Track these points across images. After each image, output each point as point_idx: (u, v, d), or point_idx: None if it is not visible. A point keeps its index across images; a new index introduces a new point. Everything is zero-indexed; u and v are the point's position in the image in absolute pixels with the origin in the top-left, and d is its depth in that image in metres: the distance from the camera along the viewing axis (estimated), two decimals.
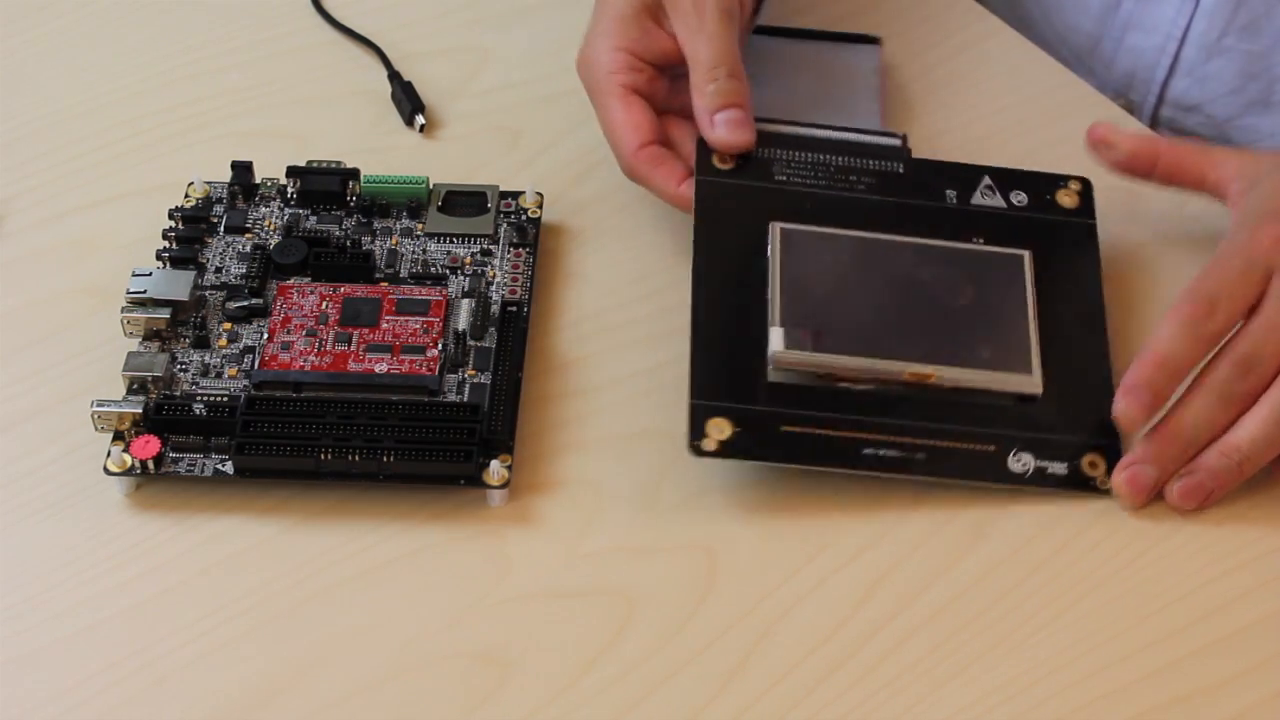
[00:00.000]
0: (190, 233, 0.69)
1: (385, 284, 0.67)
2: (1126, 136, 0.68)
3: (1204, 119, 0.82)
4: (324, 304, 0.66)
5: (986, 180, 0.67)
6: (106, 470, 0.61)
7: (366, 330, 0.65)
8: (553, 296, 0.69)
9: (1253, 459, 0.61)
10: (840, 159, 0.67)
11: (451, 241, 0.69)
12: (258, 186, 0.71)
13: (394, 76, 0.77)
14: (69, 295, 0.69)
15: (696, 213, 0.65)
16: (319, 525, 0.62)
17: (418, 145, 0.75)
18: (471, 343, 0.65)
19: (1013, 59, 0.79)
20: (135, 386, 0.63)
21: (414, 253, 0.69)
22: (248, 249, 0.68)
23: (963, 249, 0.65)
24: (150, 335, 0.65)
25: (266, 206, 0.70)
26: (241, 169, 0.71)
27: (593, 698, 0.57)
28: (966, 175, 0.68)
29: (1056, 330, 0.64)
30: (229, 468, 0.61)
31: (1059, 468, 0.62)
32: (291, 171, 0.71)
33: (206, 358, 0.65)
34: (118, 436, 0.62)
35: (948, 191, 0.67)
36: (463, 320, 0.66)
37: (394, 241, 0.69)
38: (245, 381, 0.64)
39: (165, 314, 0.65)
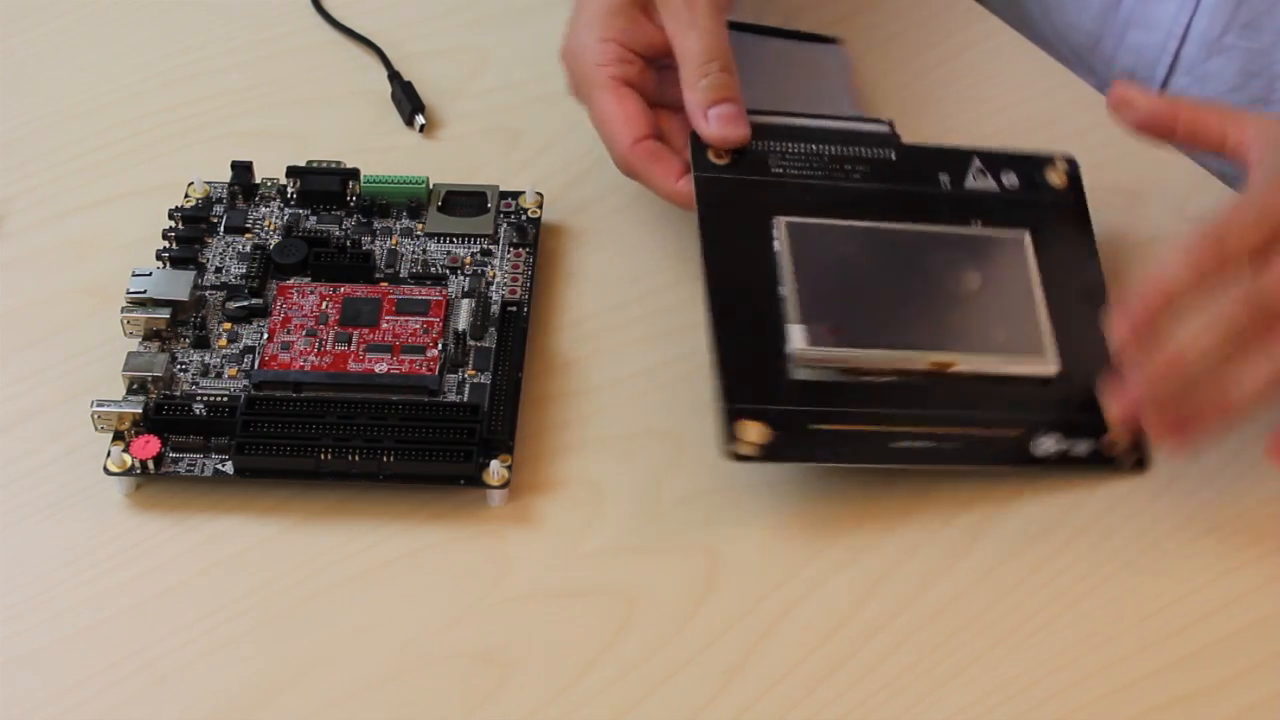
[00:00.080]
0: (190, 233, 0.69)
1: (385, 284, 0.67)
2: (1147, 96, 0.66)
3: None
4: (324, 304, 0.66)
5: (977, 163, 0.67)
6: (106, 470, 0.61)
7: (366, 330, 0.65)
8: (553, 296, 0.69)
9: (1242, 412, 0.59)
10: (833, 149, 0.67)
11: (451, 241, 0.69)
12: (258, 186, 0.71)
13: (394, 76, 0.77)
14: (69, 295, 0.69)
15: (700, 210, 0.65)
16: (319, 525, 0.62)
17: (418, 145, 0.75)
18: (471, 343, 0.65)
19: (1013, 59, 0.79)
20: (135, 386, 0.63)
21: (414, 253, 0.69)
22: (248, 249, 0.68)
23: (965, 234, 0.65)
24: (150, 335, 0.65)
25: (266, 206, 0.70)
26: (241, 169, 0.71)
27: (593, 698, 0.57)
28: (957, 159, 0.68)
29: (1063, 309, 0.64)
30: (229, 468, 0.61)
31: (1082, 448, 0.62)
32: (291, 171, 0.71)
33: (206, 358, 0.65)
34: (118, 436, 0.62)
35: (941, 176, 0.67)
36: (463, 320, 0.66)
37: (394, 241, 0.69)
38: (245, 381, 0.64)
39: (165, 314, 0.65)
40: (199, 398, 0.63)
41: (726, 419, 0.60)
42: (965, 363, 0.62)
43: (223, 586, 0.60)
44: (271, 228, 0.69)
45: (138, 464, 0.61)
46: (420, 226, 0.70)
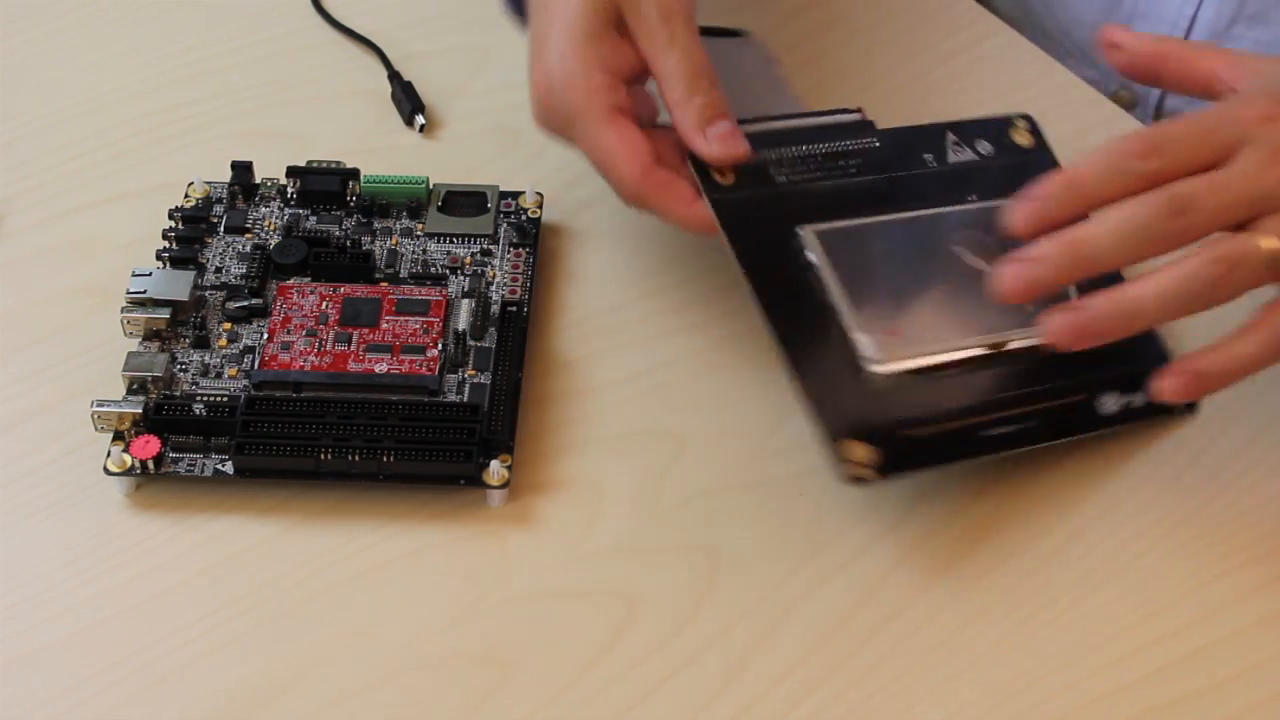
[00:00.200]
0: (190, 233, 0.69)
1: (385, 284, 0.67)
2: (1136, 37, 0.64)
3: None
4: (324, 304, 0.66)
5: (951, 136, 0.67)
6: (106, 470, 0.61)
7: (366, 330, 0.65)
8: (553, 296, 0.69)
9: (1143, 317, 0.57)
10: (822, 146, 0.66)
11: (451, 241, 0.69)
12: (258, 186, 0.71)
13: (394, 76, 0.77)
14: (69, 295, 0.69)
15: (728, 235, 0.62)
16: (319, 525, 0.62)
17: (418, 145, 0.75)
18: (471, 343, 0.65)
19: (1013, 59, 0.79)
20: (135, 386, 0.63)
21: (414, 253, 0.69)
22: (248, 249, 0.68)
23: (970, 210, 0.65)
24: (150, 335, 0.65)
25: (266, 206, 0.70)
26: (241, 169, 0.71)
27: (592, 698, 0.57)
28: (932, 136, 0.67)
29: None
30: (229, 468, 0.61)
31: (1139, 399, 0.62)
32: (291, 171, 0.71)
33: (206, 358, 0.65)
34: (118, 436, 0.62)
35: (925, 156, 0.67)
36: (463, 320, 0.66)
37: (394, 241, 0.69)
38: (245, 381, 0.64)
39: (165, 314, 0.65)
40: (199, 398, 0.63)
41: (833, 444, 0.59)
42: (1017, 338, 0.62)
43: (223, 586, 0.60)
44: (271, 228, 0.69)
45: (138, 464, 0.61)
46: (420, 226, 0.70)
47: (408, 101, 0.76)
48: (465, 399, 0.63)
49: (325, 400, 0.62)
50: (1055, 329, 0.57)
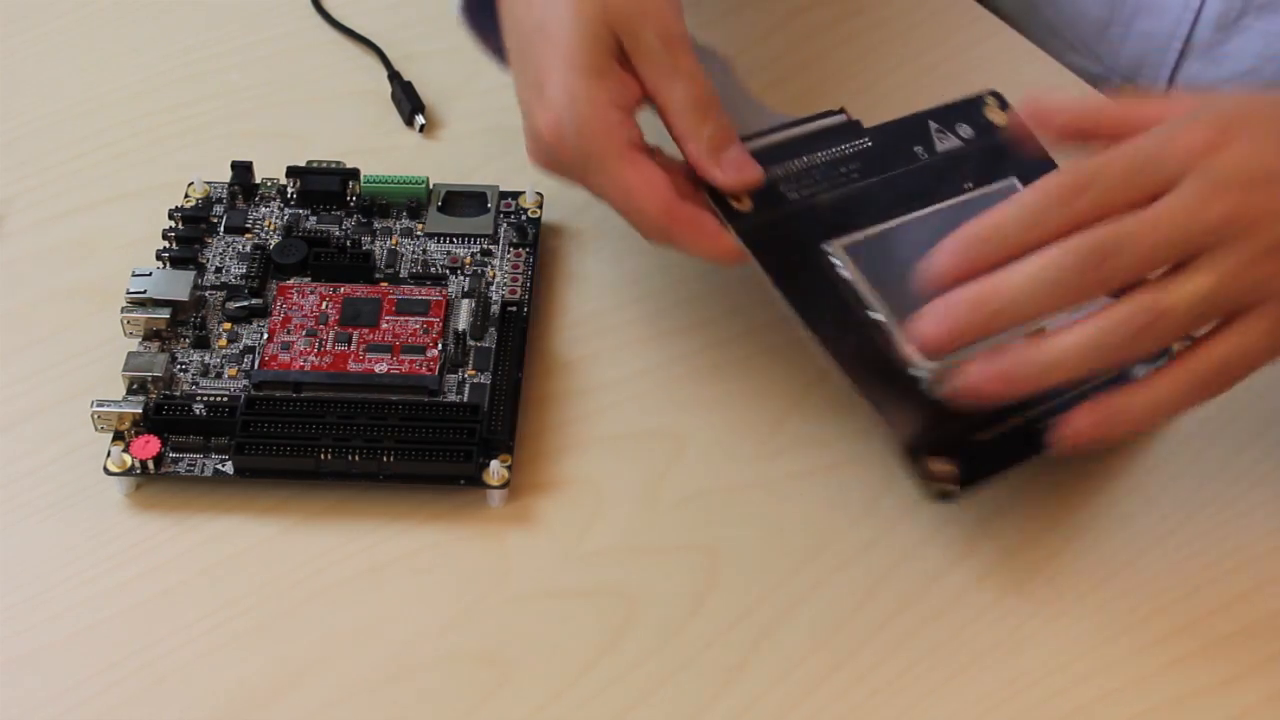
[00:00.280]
0: (190, 233, 0.69)
1: (385, 284, 0.67)
2: (1062, 102, 0.60)
3: None
4: (324, 304, 0.66)
5: (934, 125, 0.67)
6: (106, 470, 0.61)
7: (366, 330, 0.65)
8: (553, 296, 0.69)
9: (1062, 370, 0.54)
10: (820, 155, 0.65)
11: (451, 241, 0.69)
12: (258, 186, 0.71)
13: (394, 76, 0.77)
14: (69, 295, 0.69)
15: (763, 263, 0.61)
16: (319, 525, 0.62)
17: (418, 145, 0.75)
18: (471, 343, 0.65)
19: (1013, 59, 0.79)
20: (135, 386, 0.63)
21: (414, 253, 0.69)
22: (248, 249, 0.68)
23: (972, 199, 0.65)
24: (150, 335, 0.65)
25: (266, 206, 0.70)
26: (241, 169, 0.71)
27: (593, 698, 0.57)
28: (916, 127, 0.67)
29: None
30: (229, 468, 0.61)
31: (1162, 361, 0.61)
32: (291, 171, 0.71)
33: (206, 358, 0.65)
34: (118, 436, 0.62)
35: (915, 149, 0.66)
36: (463, 320, 0.66)
37: (394, 241, 0.69)
38: (245, 381, 0.64)
39: (165, 314, 0.65)
40: (199, 398, 0.63)
41: (917, 462, 0.58)
42: (1048, 321, 0.61)
43: (223, 586, 0.60)
44: (271, 228, 0.69)
45: (138, 464, 0.61)
46: (420, 226, 0.70)
47: (408, 101, 0.76)
48: (465, 399, 0.63)
49: (325, 400, 0.62)
50: (971, 379, 0.55)
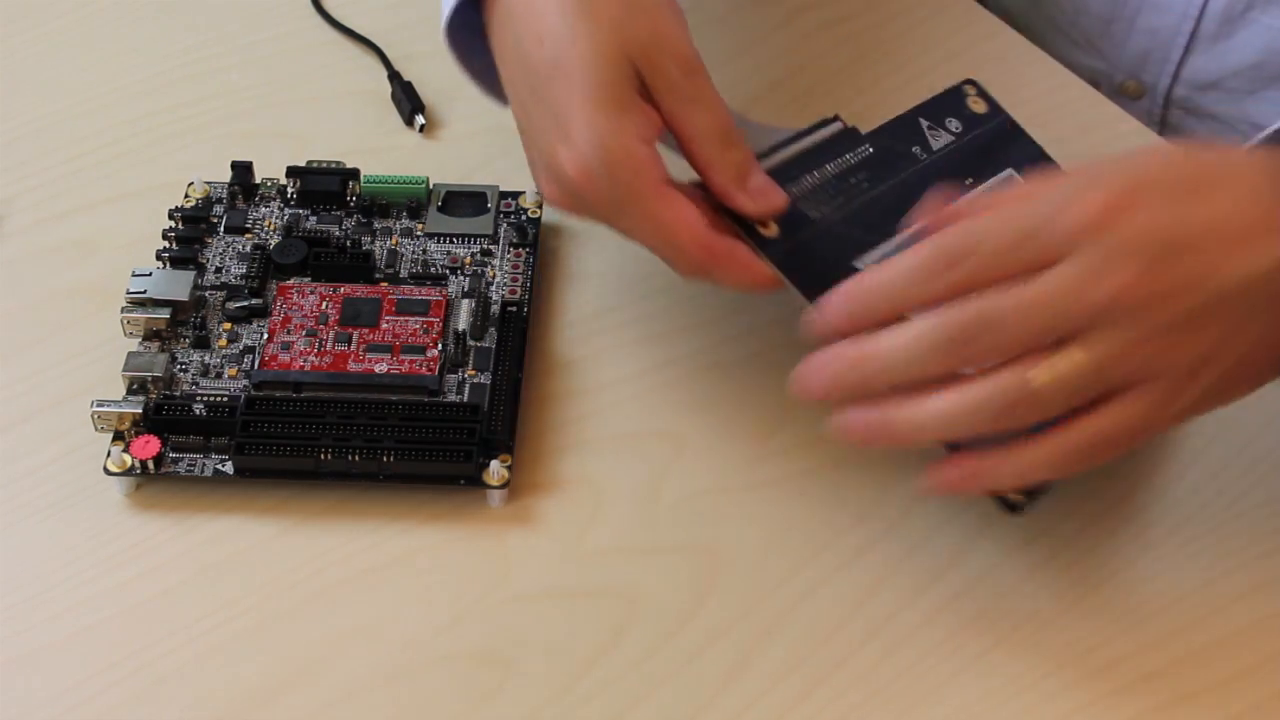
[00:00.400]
0: (190, 233, 0.69)
1: (385, 284, 0.67)
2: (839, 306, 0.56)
3: (1222, 95, 0.81)
4: (324, 304, 0.66)
5: (926, 123, 0.67)
6: (106, 470, 0.61)
7: (366, 330, 0.65)
8: (553, 296, 0.69)
9: (931, 433, 0.54)
10: (829, 168, 0.65)
11: (451, 241, 0.69)
12: (258, 186, 0.71)
13: (394, 76, 0.77)
14: (69, 295, 0.69)
15: (800, 289, 0.60)
16: (319, 525, 0.62)
17: (418, 145, 0.75)
18: (471, 343, 0.65)
19: (1013, 59, 0.79)
20: (135, 386, 0.63)
21: (414, 253, 0.69)
22: (248, 249, 0.68)
23: (986, 196, 0.64)
24: (150, 335, 0.65)
25: (266, 206, 0.70)
26: (241, 169, 0.71)
27: (593, 698, 0.57)
28: (909, 127, 0.66)
29: None
30: (229, 468, 0.61)
31: None
32: (291, 171, 0.71)
33: (206, 358, 0.65)
34: (118, 436, 0.62)
35: (913, 149, 0.66)
36: (463, 320, 0.66)
37: (394, 241, 0.69)
38: (245, 381, 0.64)
39: (165, 314, 0.65)
40: (199, 398, 0.63)
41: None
42: None
43: (223, 586, 0.60)
44: (271, 228, 0.69)
45: (138, 464, 0.61)
46: (420, 226, 0.70)
47: (408, 101, 0.76)
48: (465, 399, 0.63)
49: (325, 400, 0.62)
50: (847, 425, 0.55)
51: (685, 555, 0.61)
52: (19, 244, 0.71)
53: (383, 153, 0.74)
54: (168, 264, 0.68)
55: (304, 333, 0.65)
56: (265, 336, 0.65)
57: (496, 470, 0.61)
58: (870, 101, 0.76)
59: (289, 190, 0.70)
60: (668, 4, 0.60)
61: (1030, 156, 0.66)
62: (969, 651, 0.58)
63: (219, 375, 0.64)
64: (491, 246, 0.69)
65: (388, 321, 0.65)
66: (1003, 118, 0.67)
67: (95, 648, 0.58)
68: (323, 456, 0.61)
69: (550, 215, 0.71)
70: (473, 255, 0.69)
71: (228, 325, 0.66)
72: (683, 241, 0.59)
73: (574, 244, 0.71)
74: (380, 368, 0.64)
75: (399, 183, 0.70)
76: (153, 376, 0.63)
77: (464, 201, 0.70)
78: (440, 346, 0.64)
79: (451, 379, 0.64)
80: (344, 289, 0.66)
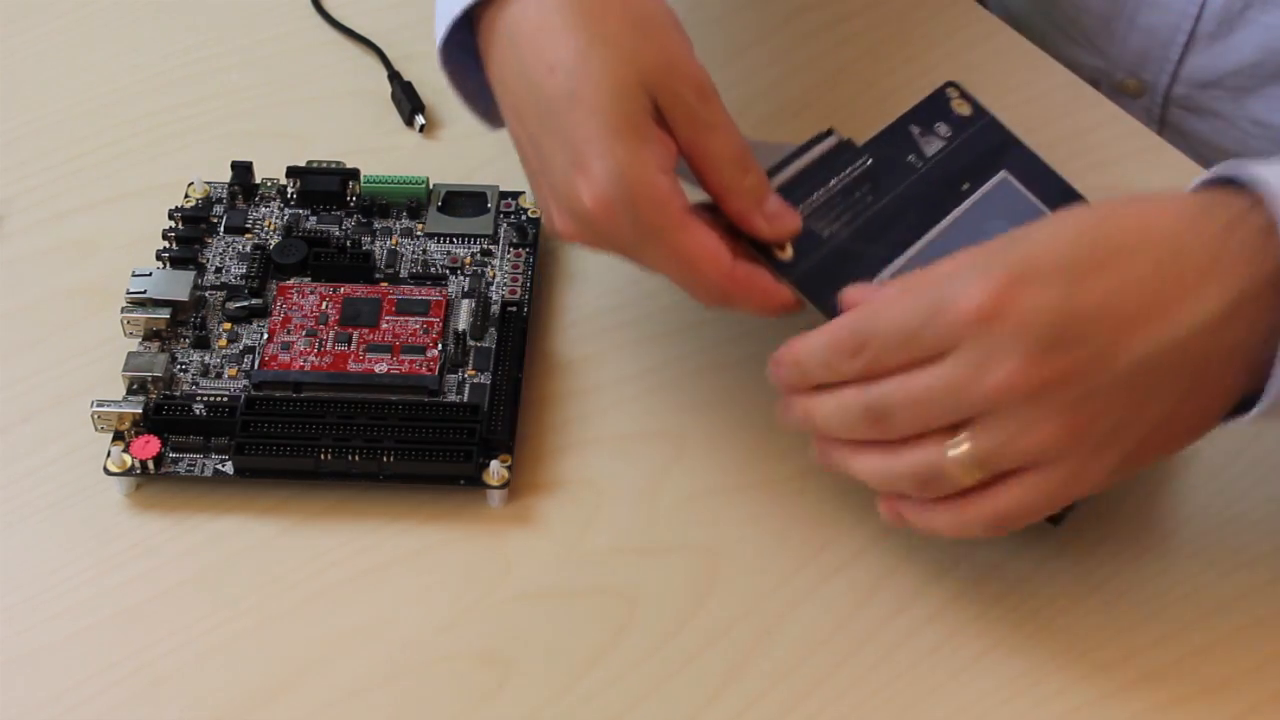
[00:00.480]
0: (190, 233, 0.69)
1: (385, 284, 0.67)
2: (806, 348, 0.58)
3: (1222, 93, 0.81)
4: (324, 304, 0.66)
5: (916, 130, 0.66)
6: (106, 470, 0.61)
7: (366, 330, 0.65)
8: (553, 296, 0.69)
9: (870, 483, 0.56)
10: (834, 182, 0.64)
11: (451, 241, 0.69)
12: (258, 186, 0.71)
13: (394, 76, 0.77)
14: (69, 295, 0.69)
15: (822, 310, 0.60)
16: (319, 525, 0.62)
17: (418, 145, 0.75)
18: (471, 343, 0.65)
19: (1013, 59, 0.79)
20: (135, 386, 0.63)
21: (414, 253, 0.69)
22: (248, 249, 0.68)
23: (978, 200, 0.64)
24: (150, 335, 0.65)
25: (266, 206, 0.70)
26: (241, 169, 0.71)
27: (593, 698, 0.57)
28: (901, 135, 0.66)
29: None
30: (229, 468, 0.61)
31: None
32: (291, 171, 0.71)
33: (206, 358, 0.65)
34: (118, 436, 0.62)
35: (909, 157, 0.66)
36: (463, 320, 0.66)
37: (394, 241, 0.69)
38: (245, 381, 0.64)
39: (165, 314, 0.65)
40: (199, 398, 0.63)
41: None
42: None
43: (223, 586, 0.60)
44: (271, 228, 0.69)
45: (138, 464, 0.61)
46: (420, 226, 0.70)
47: (408, 101, 0.76)
48: (465, 399, 0.63)
49: (325, 400, 0.62)
50: (817, 454, 0.58)
51: (685, 555, 0.61)
52: (19, 244, 0.71)
53: (383, 153, 0.74)
54: (168, 264, 0.68)
55: (304, 333, 0.65)
56: (265, 336, 0.65)
57: (496, 470, 0.61)
58: (870, 101, 0.76)
59: (289, 190, 0.70)
60: (673, 24, 0.60)
61: (1019, 157, 0.66)
62: (968, 652, 0.58)
63: (219, 375, 0.64)
64: (491, 246, 0.69)
65: (388, 321, 0.65)
66: (987, 119, 0.67)
67: (95, 648, 0.58)
68: (323, 456, 0.61)
69: None
70: (473, 255, 0.69)
71: (228, 325, 0.66)
72: (707, 272, 0.58)
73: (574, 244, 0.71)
74: (380, 368, 0.64)
75: (399, 183, 0.70)
76: (153, 376, 0.63)
77: (464, 201, 0.70)
78: (440, 346, 0.64)
79: (451, 379, 0.64)
80: (344, 289, 0.66)
